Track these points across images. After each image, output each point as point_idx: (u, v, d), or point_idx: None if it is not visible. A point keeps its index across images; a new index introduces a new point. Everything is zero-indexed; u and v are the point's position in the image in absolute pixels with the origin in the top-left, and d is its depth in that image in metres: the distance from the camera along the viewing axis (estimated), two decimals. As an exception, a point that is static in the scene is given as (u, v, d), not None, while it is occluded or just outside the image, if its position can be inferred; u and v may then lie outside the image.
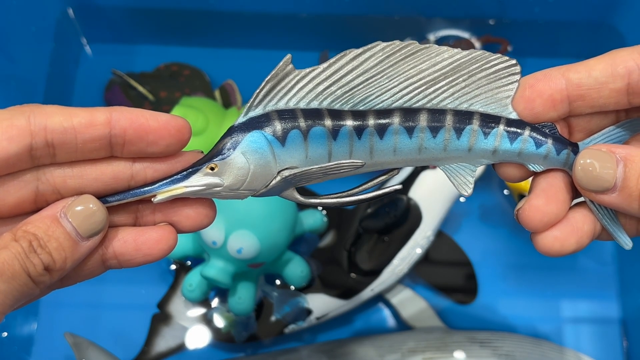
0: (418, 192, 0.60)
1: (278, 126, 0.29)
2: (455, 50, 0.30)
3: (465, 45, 0.69)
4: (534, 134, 0.31)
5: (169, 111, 0.64)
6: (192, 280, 0.59)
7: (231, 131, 0.30)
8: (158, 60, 0.72)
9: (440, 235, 0.63)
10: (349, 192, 0.32)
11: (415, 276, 0.63)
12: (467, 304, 0.63)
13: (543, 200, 0.31)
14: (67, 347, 0.58)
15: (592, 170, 0.30)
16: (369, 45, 0.29)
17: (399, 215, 0.59)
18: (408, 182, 0.61)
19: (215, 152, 0.30)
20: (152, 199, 0.29)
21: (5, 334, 0.61)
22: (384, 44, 0.29)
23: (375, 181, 0.33)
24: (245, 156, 0.29)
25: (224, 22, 0.72)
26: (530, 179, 0.65)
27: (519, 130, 0.31)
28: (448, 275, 0.64)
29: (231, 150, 0.29)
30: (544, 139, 0.31)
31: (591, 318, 0.63)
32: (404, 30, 0.71)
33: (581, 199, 0.32)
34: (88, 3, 0.71)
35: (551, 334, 0.62)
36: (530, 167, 0.32)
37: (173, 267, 0.63)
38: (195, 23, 0.72)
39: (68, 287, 0.55)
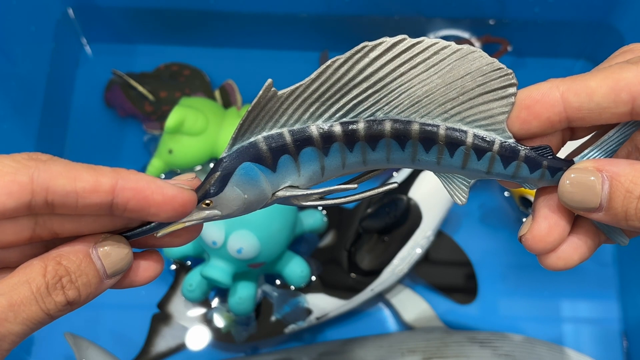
0: (418, 192, 0.60)
1: (267, 154, 0.29)
2: (448, 48, 0.28)
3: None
4: (528, 158, 0.30)
5: (169, 111, 0.64)
6: (192, 280, 0.59)
7: (220, 164, 0.29)
8: (158, 60, 0.72)
9: (440, 235, 0.63)
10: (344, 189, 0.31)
11: (415, 276, 0.63)
12: (467, 304, 0.63)
13: (546, 229, 0.31)
14: (67, 347, 0.58)
15: (576, 191, 0.29)
16: (354, 50, 0.28)
17: (399, 215, 0.59)
18: (408, 182, 0.61)
19: (208, 189, 0.29)
20: (156, 234, 0.29)
21: (5, 334, 0.61)
22: (371, 44, 0.28)
23: (370, 175, 0.32)
24: (239, 188, 0.29)
25: (224, 22, 0.72)
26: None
27: (512, 155, 0.30)
28: (448, 275, 0.64)
29: (223, 185, 0.29)
30: (538, 163, 0.30)
31: (591, 318, 0.63)
32: (404, 30, 0.71)
33: None
34: (88, 3, 0.71)
35: (551, 334, 0.62)
36: (524, 186, 0.31)
37: (173, 267, 0.63)
38: (195, 23, 0.72)
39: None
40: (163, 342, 0.61)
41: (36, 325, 0.27)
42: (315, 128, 0.29)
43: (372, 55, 0.28)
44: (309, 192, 0.30)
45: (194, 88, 0.69)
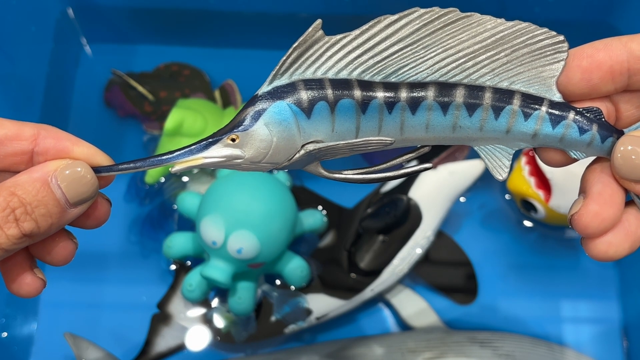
0: (418, 192, 0.60)
1: (304, 97, 0.28)
2: (499, 20, 0.29)
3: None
4: (578, 119, 0.29)
5: (168, 111, 0.64)
6: (192, 280, 0.59)
7: (254, 100, 0.28)
8: (158, 60, 0.72)
9: (440, 235, 0.63)
10: (376, 168, 0.30)
11: (415, 276, 0.63)
12: (467, 304, 0.63)
13: (600, 205, 0.29)
14: (67, 347, 0.58)
15: (633, 158, 0.28)
16: (406, 12, 0.28)
17: (399, 215, 0.59)
18: (408, 182, 0.61)
19: (237, 122, 0.28)
20: (170, 169, 0.28)
21: (5, 334, 0.61)
22: (422, 10, 0.28)
23: (402, 158, 0.31)
24: (269, 128, 0.28)
25: (224, 22, 0.72)
26: (533, 182, 0.64)
27: (562, 114, 0.29)
28: (448, 275, 0.64)
29: (254, 121, 0.28)
30: (588, 124, 0.29)
31: (591, 318, 0.63)
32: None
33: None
34: (88, 3, 0.71)
35: (551, 334, 0.62)
36: (571, 154, 0.30)
37: (173, 267, 0.63)
38: (195, 23, 0.72)
39: (68, 287, 0.54)
40: (163, 342, 0.61)
41: None
42: (356, 81, 0.28)
43: (422, 20, 0.28)
44: (340, 143, 0.28)
45: (193, 88, 0.69)
